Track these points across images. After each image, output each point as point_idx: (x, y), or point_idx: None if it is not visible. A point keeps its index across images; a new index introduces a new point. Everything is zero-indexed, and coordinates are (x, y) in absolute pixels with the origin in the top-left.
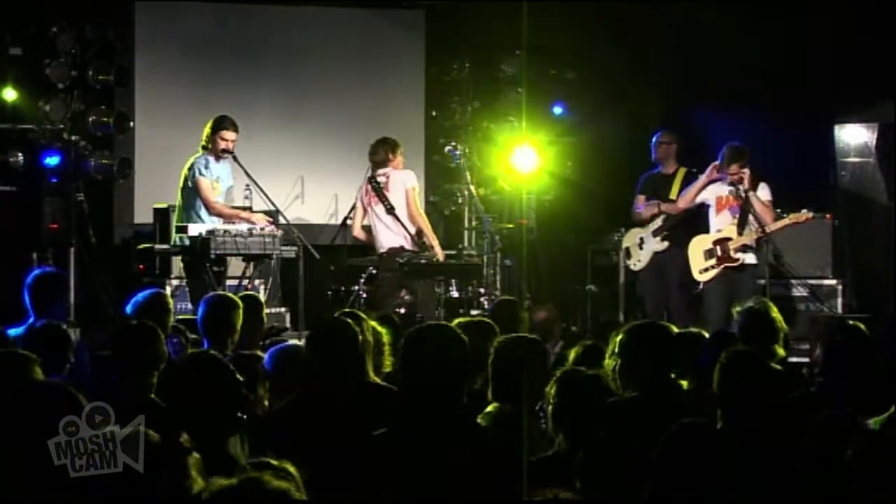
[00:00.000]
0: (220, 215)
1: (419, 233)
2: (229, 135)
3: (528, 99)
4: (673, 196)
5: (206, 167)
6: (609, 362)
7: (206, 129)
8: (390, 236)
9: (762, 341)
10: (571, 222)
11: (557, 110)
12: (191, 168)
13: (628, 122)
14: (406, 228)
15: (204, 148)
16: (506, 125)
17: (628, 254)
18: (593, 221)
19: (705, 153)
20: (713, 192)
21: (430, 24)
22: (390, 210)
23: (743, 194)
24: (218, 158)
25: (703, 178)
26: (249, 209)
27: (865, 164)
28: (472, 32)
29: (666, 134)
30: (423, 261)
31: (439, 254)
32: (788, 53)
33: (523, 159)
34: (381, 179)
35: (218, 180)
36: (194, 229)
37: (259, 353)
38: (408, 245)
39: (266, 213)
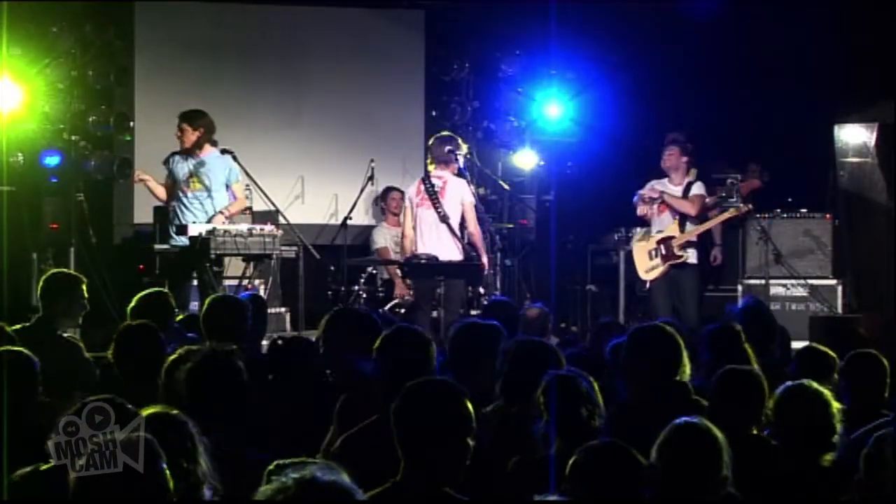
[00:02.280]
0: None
1: (471, 245)
2: (181, 125)
3: (528, 99)
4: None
5: (172, 162)
6: None
7: None
8: (437, 245)
9: (760, 340)
10: (571, 222)
11: (553, 109)
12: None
13: (628, 122)
14: (458, 239)
15: None
16: (506, 125)
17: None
18: (593, 221)
19: (704, 153)
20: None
21: (430, 24)
22: (444, 218)
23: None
24: (188, 153)
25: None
26: (249, 209)
27: (864, 164)
28: (472, 32)
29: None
30: (423, 261)
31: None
32: (788, 53)
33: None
34: (436, 182)
35: (199, 176)
36: (194, 229)
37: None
38: (455, 256)
39: (266, 213)
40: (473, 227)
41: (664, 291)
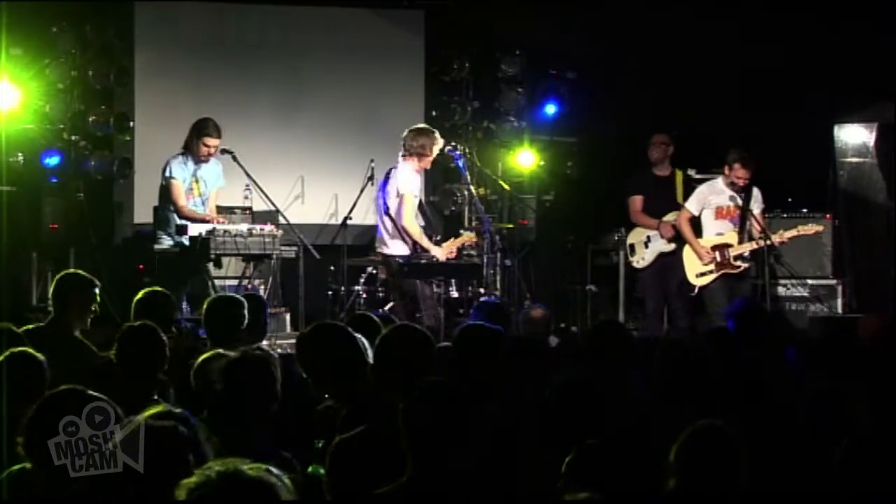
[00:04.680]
0: (187, 219)
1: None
2: (211, 141)
3: (528, 99)
4: (680, 199)
5: (180, 168)
6: None
7: (190, 131)
8: (385, 239)
9: (762, 341)
10: (571, 222)
11: (551, 109)
12: (165, 168)
13: (628, 121)
14: (399, 232)
15: (185, 148)
16: (506, 125)
17: (632, 250)
18: (593, 221)
19: (705, 153)
20: (713, 203)
21: (430, 24)
22: (386, 210)
23: (741, 203)
24: (197, 161)
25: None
26: (249, 210)
27: (863, 164)
28: (472, 32)
29: (664, 135)
30: (423, 261)
31: (440, 256)
32: (788, 53)
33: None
34: (392, 173)
35: (198, 181)
36: (194, 229)
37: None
38: (402, 251)
39: (266, 213)
40: (405, 220)
41: (724, 294)
